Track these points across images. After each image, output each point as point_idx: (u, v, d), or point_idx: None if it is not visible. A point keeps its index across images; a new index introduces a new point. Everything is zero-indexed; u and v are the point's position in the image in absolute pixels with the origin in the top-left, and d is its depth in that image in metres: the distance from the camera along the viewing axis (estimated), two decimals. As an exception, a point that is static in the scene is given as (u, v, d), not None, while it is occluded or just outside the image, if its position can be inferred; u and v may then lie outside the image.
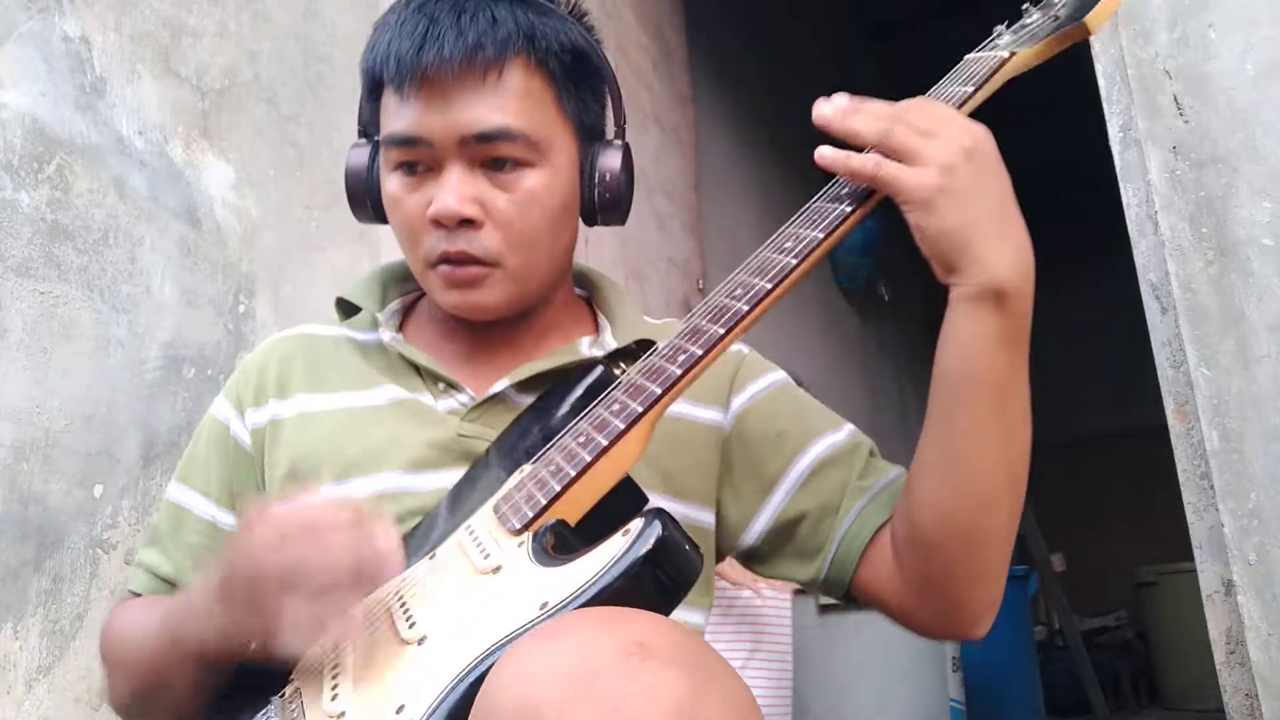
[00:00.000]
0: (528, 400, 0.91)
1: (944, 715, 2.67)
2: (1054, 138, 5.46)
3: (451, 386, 0.92)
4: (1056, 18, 0.85)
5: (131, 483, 1.40)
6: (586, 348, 0.95)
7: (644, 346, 0.95)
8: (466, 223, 0.86)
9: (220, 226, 1.60)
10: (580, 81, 0.92)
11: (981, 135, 0.74)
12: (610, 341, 0.95)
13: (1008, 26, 0.89)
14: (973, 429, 0.77)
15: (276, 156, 1.71)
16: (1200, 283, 1.33)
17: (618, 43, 2.50)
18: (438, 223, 0.86)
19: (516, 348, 0.96)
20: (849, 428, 0.95)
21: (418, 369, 0.94)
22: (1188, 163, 1.37)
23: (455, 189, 0.85)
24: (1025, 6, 0.89)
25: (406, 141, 0.87)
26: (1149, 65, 1.40)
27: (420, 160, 0.87)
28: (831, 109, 0.76)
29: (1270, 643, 1.23)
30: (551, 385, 0.91)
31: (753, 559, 0.95)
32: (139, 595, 0.94)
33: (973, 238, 0.73)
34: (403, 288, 1.03)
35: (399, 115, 0.87)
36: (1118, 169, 1.47)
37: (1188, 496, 1.36)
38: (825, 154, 0.76)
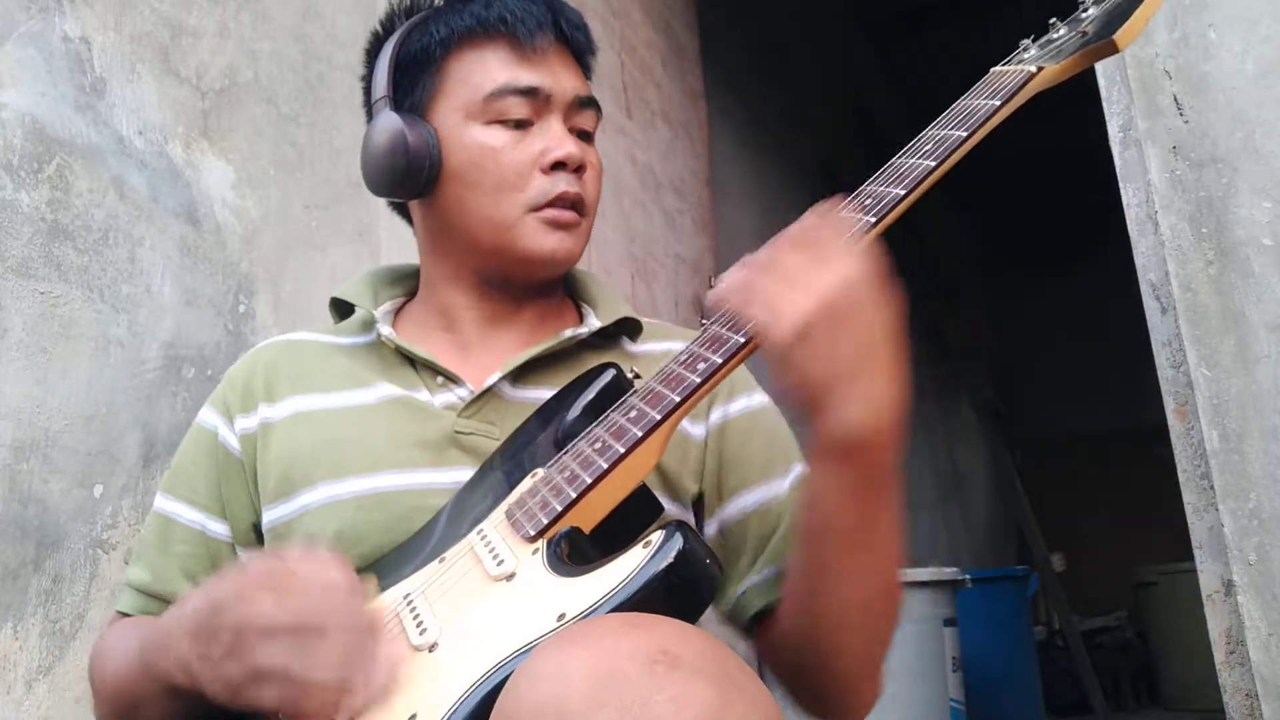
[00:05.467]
0: (522, 394, 0.91)
1: (944, 715, 2.67)
2: (1054, 137, 5.46)
3: (450, 380, 0.92)
4: (1085, 34, 0.85)
5: (131, 483, 1.40)
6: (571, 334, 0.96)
7: (627, 325, 0.98)
8: (576, 172, 0.91)
9: (220, 226, 1.59)
10: None
11: (853, 277, 0.68)
12: (595, 323, 0.96)
13: (1034, 40, 0.88)
14: (824, 570, 0.76)
15: (276, 156, 1.71)
16: (1200, 283, 1.33)
17: (624, 40, 2.49)
18: (555, 168, 0.90)
19: (510, 342, 0.96)
20: (796, 474, 0.93)
21: (413, 365, 0.94)
22: (1188, 163, 1.37)
23: (570, 138, 0.92)
24: (1052, 21, 0.89)
25: (527, 91, 0.90)
26: (1149, 65, 1.40)
27: (528, 114, 0.91)
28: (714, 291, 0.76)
29: (1270, 643, 1.22)
30: (549, 375, 0.91)
31: None
32: (128, 615, 0.94)
33: (825, 393, 0.69)
34: (393, 290, 1.03)
35: (511, 69, 0.91)
36: (1118, 169, 1.47)
37: (1187, 496, 1.36)
38: (708, 299, 0.77)
